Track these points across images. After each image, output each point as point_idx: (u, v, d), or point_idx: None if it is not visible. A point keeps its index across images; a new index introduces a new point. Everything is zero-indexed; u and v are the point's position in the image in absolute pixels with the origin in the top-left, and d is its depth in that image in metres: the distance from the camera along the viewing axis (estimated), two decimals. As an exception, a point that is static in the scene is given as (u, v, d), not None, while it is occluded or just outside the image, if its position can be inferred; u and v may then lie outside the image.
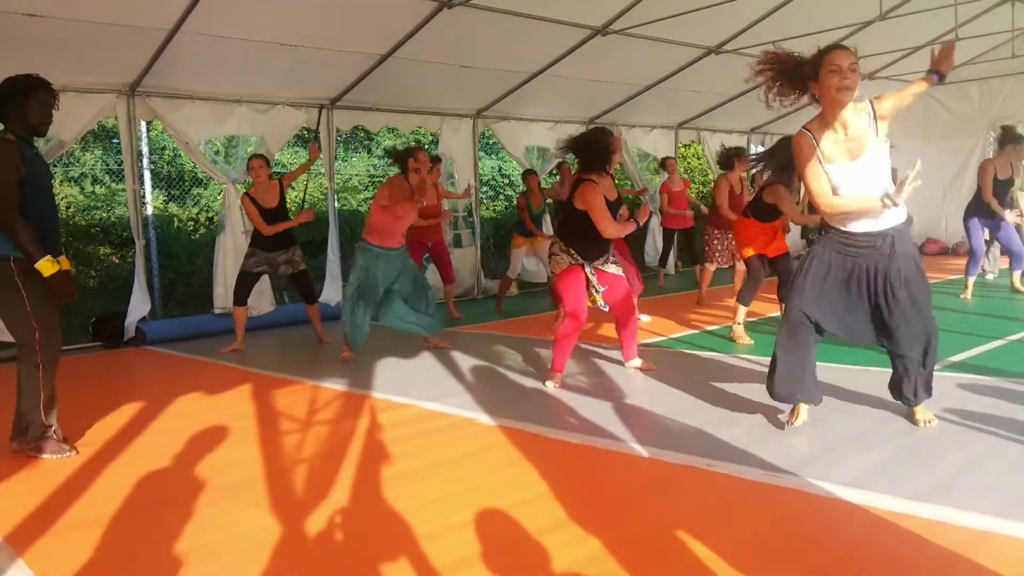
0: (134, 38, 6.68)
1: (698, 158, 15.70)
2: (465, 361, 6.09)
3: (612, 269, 5.27)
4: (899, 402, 4.01)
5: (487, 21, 7.69)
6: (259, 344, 7.29)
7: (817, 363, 3.98)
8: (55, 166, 10.70)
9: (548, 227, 9.97)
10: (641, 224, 5.18)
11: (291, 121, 8.63)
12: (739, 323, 6.39)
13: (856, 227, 3.68)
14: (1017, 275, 8.31)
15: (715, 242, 8.31)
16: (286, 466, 3.81)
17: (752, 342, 6.31)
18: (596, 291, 5.23)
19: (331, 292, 8.91)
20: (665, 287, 10.39)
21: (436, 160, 8.35)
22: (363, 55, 8.04)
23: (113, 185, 12.12)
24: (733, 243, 7.56)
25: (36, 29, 6.08)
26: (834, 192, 3.64)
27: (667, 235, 10.86)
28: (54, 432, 4.08)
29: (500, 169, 15.60)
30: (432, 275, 8.60)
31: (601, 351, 6.21)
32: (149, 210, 8.39)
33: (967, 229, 8.34)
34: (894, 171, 3.71)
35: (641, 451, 3.76)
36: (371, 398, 5.08)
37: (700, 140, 13.02)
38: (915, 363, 3.79)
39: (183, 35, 6.72)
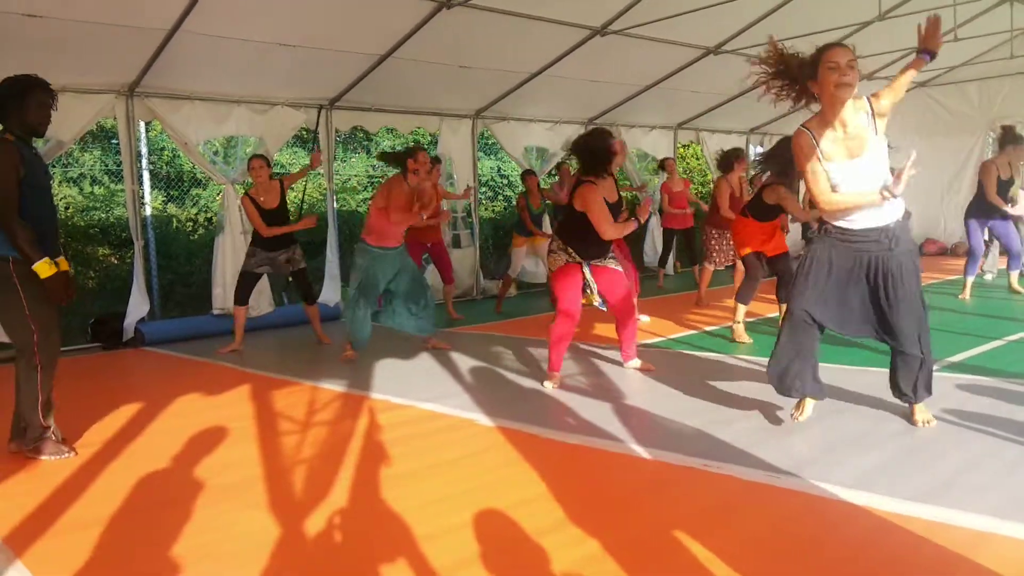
0: (133, 38, 6.67)
1: (697, 158, 15.70)
2: (464, 362, 6.09)
3: (612, 265, 5.27)
4: (899, 400, 4.00)
5: (486, 21, 7.68)
6: (258, 345, 7.29)
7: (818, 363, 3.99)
8: (54, 167, 10.69)
9: (547, 228, 9.96)
10: (642, 222, 5.17)
11: (290, 121, 8.63)
12: (738, 322, 6.41)
13: (856, 223, 3.68)
14: (1015, 275, 8.32)
15: (713, 242, 8.33)
16: (285, 467, 3.81)
17: (751, 341, 6.32)
18: (591, 290, 5.24)
19: (330, 293, 8.91)
20: (664, 287, 10.39)
21: (436, 161, 8.35)
22: (362, 55, 8.03)
23: (112, 186, 12.12)
24: (732, 243, 7.57)
25: (35, 29, 6.08)
26: (833, 190, 3.64)
27: (667, 235, 10.86)
28: (52, 433, 4.08)
29: (499, 169, 15.60)
30: (431, 275, 8.60)
31: (600, 352, 6.21)
32: (148, 211, 8.38)
33: (967, 229, 8.36)
34: (894, 170, 3.71)
35: (640, 452, 3.76)
36: (370, 399, 5.08)
37: (699, 140, 13.02)
38: (916, 359, 3.79)
39: (182, 35, 6.72)
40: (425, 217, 6.26)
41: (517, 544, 2.83)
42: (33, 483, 3.69)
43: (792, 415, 4.10)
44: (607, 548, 2.72)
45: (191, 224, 11.67)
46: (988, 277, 9.47)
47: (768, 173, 6.40)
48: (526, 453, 3.81)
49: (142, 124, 8.30)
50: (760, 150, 13.73)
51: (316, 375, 5.78)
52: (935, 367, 4.89)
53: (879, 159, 3.62)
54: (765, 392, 4.64)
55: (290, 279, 7.38)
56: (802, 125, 3.71)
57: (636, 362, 5.50)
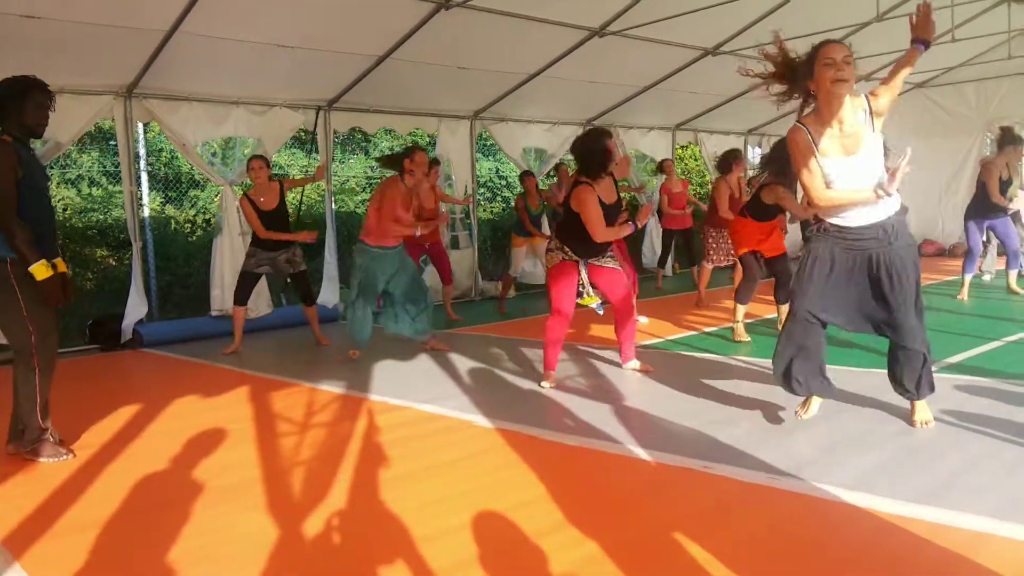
0: (131, 39, 6.67)
1: (695, 159, 15.71)
2: (463, 363, 6.09)
3: (609, 264, 5.27)
4: (902, 396, 3.98)
5: (484, 22, 7.69)
6: (257, 346, 7.29)
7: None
8: (52, 168, 10.67)
9: (546, 229, 9.96)
10: (640, 226, 5.17)
11: (288, 123, 8.63)
12: (738, 321, 6.44)
13: (854, 220, 3.68)
14: (1013, 275, 8.34)
15: (711, 240, 8.34)
16: (284, 468, 3.80)
17: (749, 340, 6.33)
18: (585, 288, 5.23)
19: (328, 294, 8.90)
20: (663, 288, 10.40)
21: (435, 162, 8.35)
22: (360, 56, 8.03)
23: (110, 187, 12.11)
24: (730, 242, 7.59)
25: (33, 30, 6.07)
26: (828, 186, 3.64)
27: (666, 236, 10.86)
28: (50, 435, 4.07)
29: (497, 171, 15.60)
30: (430, 276, 8.60)
31: (598, 353, 6.21)
32: (146, 212, 8.39)
33: (966, 229, 8.39)
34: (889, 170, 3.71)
35: (639, 453, 3.76)
36: (369, 400, 5.07)
37: (697, 141, 13.04)
38: (919, 355, 3.78)
39: (180, 36, 6.72)
40: (419, 233, 6.28)
41: (516, 545, 2.82)
42: (31, 485, 3.69)
43: (796, 412, 4.10)
44: (606, 549, 2.72)
45: (189, 225, 11.65)
46: (987, 278, 9.48)
47: (766, 173, 6.42)
48: (525, 455, 3.81)
49: (140, 125, 8.30)
50: (759, 151, 13.75)
51: (315, 376, 5.78)
52: (934, 368, 4.91)
53: (875, 156, 3.62)
54: (764, 393, 4.65)
55: (288, 280, 7.38)
56: (798, 121, 3.70)
57: (635, 363, 5.50)
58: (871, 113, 3.58)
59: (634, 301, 5.92)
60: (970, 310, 7.65)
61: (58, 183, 11.72)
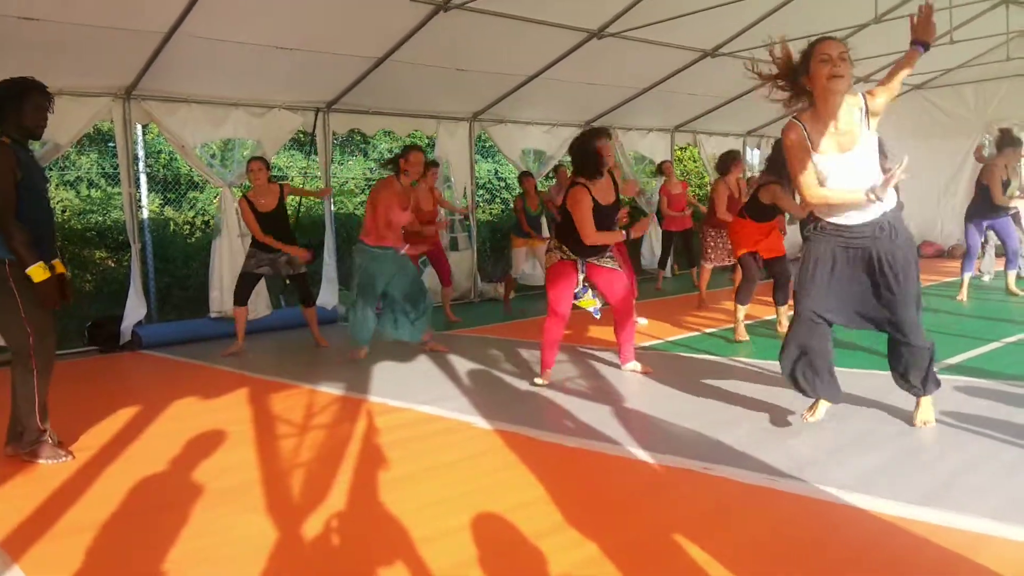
0: (130, 41, 6.67)
1: (694, 161, 15.71)
2: (462, 364, 6.08)
3: (608, 264, 5.27)
4: (908, 392, 3.95)
5: (483, 24, 7.69)
6: (256, 348, 7.28)
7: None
8: (51, 170, 10.67)
9: (545, 230, 9.96)
10: (632, 237, 5.15)
11: (287, 124, 8.63)
12: (739, 321, 6.46)
13: (850, 219, 3.68)
14: (1012, 276, 8.35)
15: (709, 239, 8.36)
16: (283, 470, 3.80)
17: (749, 339, 6.34)
18: (588, 292, 5.24)
19: (328, 296, 8.90)
20: (662, 289, 10.40)
21: (432, 164, 8.34)
22: (359, 58, 8.04)
23: (109, 189, 12.10)
24: (730, 243, 7.60)
25: (32, 32, 6.07)
26: (822, 183, 3.64)
27: (666, 237, 10.87)
28: (49, 437, 4.07)
29: (496, 172, 15.60)
30: (429, 278, 8.60)
31: (598, 354, 6.21)
32: (145, 214, 8.38)
33: (966, 229, 8.43)
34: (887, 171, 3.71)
35: (638, 454, 3.75)
36: (368, 402, 5.07)
37: (696, 143, 13.05)
38: (924, 351, 3.77)
39: (179, 38, 6.72)
40: (404, 251, 6.26)
41: (515, 547, 2.82)
42: (30, 487, 3.68)
43: (803, 416, 4.08)
44: (606, 551, 2.72)
45: (188, 227, 11.65)
46: (986, 278, 9.50)
47: (765, 172, 6.44)
48: (524, 456, 3.81)
49: (139, 127, 8.30)
50: (758, 152, 13.77)
51: (314, 378, 5.77)
52: (934, 369, 4.90)
53: (869, 155, 3.61)
54: (764, 394, 4.65)
55: (288, 282, 7.38)
56: (793, 117, 3.70)
57: (634, 364, 5.50)
58: (867, 112, 3.57)
59: (633, 302, 5.93)
60: (969, 311, 7.65)
61: (57, 185, 11.72)
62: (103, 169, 12.63)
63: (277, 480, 3.65)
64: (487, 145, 14.19)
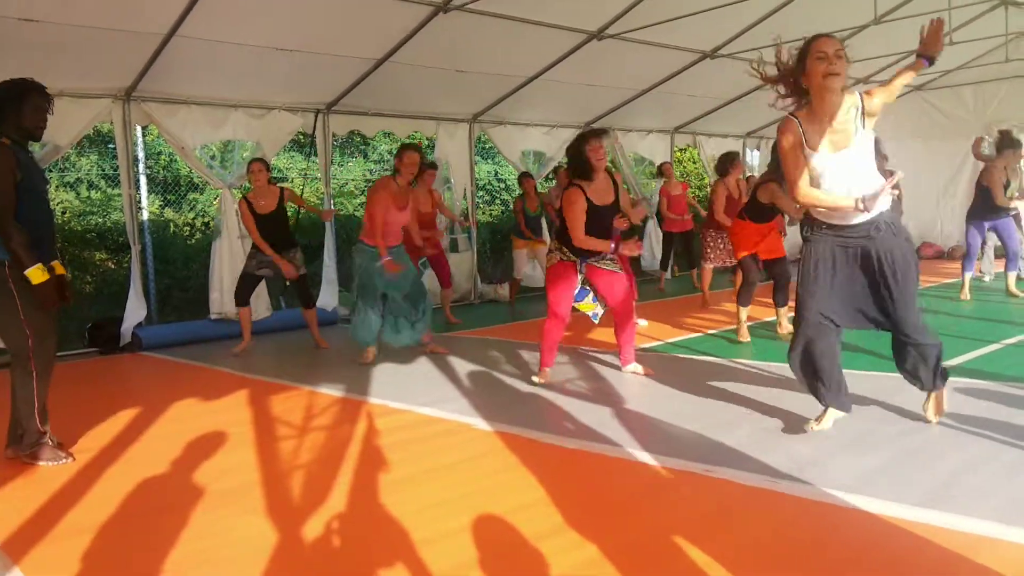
0: (130, 43, 6.67)
1: (694, 162, 15.72)
2: (462, 366, 6.08)
3: (609, 266, 5.28)
4: (918, 388, 3.94)
5: (483, 25, 7.69)
6: (256, 349, 7.27)
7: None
8: (51, 171, 10.68)
9: (546, 231, 9.97)
10: (618, 252, 5.12)
11: (287, 126, 8.63)
12: (741, 322, 6.48)
13: (848, 219, 3.67)
14: (1012, 278, 8.35)
15: (709, 240, 8.37)
16: (283, 472, 3.80)
17: (749, 339, 6.34)
18: (589, 296, 5.25)
19: (327, 297, 8.89)
20: (664, 291, 10.40)
21: (430, 166, 8.31)
22: (359, 60, 8.04)
23: (109, 190, 12.11)
24: (730, 244, 7.61)
25: (32, 34, 6.07)
26: (817, 181, 3.63)
27: (666, 239, 10.88)
28: (49, 439, 4.07)
29: (496, 174, 15.60)
30: (429, 280, 8.59)
31: (598, 356, 6.21)
32: (145, 215, 8.38)
33: (966, 230, 8.45)
34: (893, 173, 3.70)
35: (639, 456, 3.75)
36: (368, 403, 5.07)
37: (696, 144, 13.05)
38: (932, 347, 3.76)
39: (179, 40, 6.72)
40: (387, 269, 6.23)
41: (515, 549, 2.82)
42: (30, 489, 3.68)
43: (810, 426, 3.92)
44: (606, 553, 2.72)
45: (188, 228, 11.65)
46: (987, 279, 9.51)
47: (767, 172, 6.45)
48: (524, 457, 3.81)
49: (139, 128, 8.30)
50: (757, 153, 13.78)
51: (314, 380, 5.77)
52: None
53: (864, 154, 3.60)
54: (765, 395, 4.65)
55: (288, 283, 7.38)
56: (790, 113, 3.70)
57: (634, 366, 5.49)
58: (863, 112, 3.57)
59: (634, 304, 5.93)
60: (969, 313, 7.65)
61: (57, 186, 11.72)
62: (103, 170, 12.63)
63: (277, 482, 3.65)
64: (487, 146, 14.19)
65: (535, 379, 5.29)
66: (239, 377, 6.10)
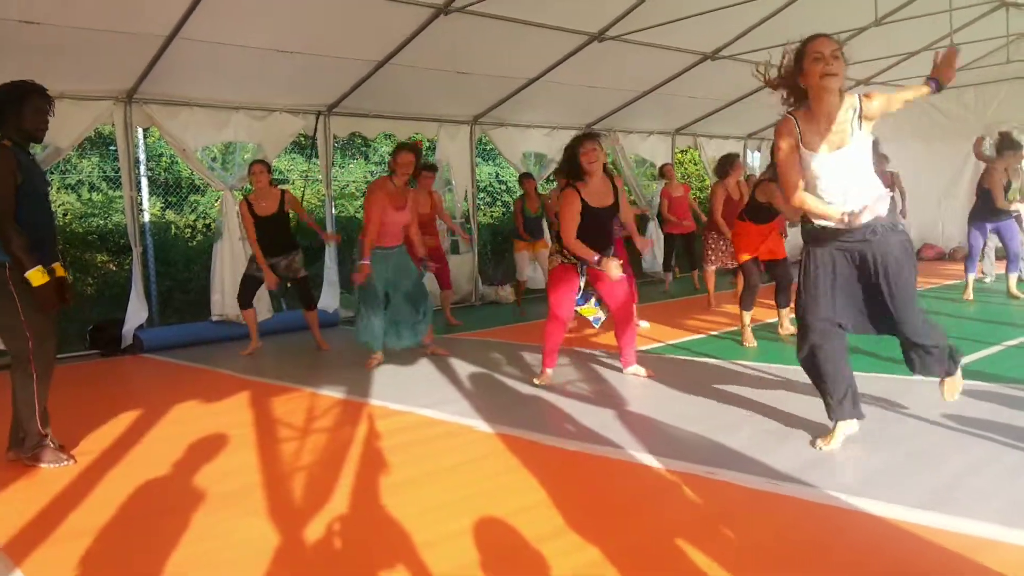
0: (131, 45, 6.68)
1: (695, 164, 15.72)
2: (463, 368, 6.08)
3: None
4: (934, 377, 3.93)
5: (483, 27, 7.70)
6: (257, 351, 7.27)
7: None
8: (52, 173, 10.69)
9: (547, 232, 9.96)
10: (600, 267, 5.02)
11: (288, 128, 8.64)
12: (746, 326, 6.44)
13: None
14: (1013, 279, 8.34)
15: (711, 243, 8.36)
16: (284, 474, 3.80)
17: (756, 344, 6.33)
18: (592, 299, 5.26)
19: (329, 299, 8.89)
20: (669, 291, 10.40)
21: (428, 168, 8.28)
22: (360, 62, 8.04)
23: (110, 192, 12.12)
24: (731, 247, 7.61)
25: (33, 36, 6.08)
26: (814, 182, 3.62)
27: (668, 240, 10.87)
28: (51, 441, 4.07)
29: (497, 175, 15.61)
30: (429, 282, 8.58)
31: (600, 357, 6.21)
32: (146, 217, 8.39)
33: (968, 231, 8.47)
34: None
35: (640, 458, 3.75)
36: (369, 405, 5.07)
37: (697, 146, 13.05)
38: (941, 348, 3.75)
39: (180, 42, 6.73)
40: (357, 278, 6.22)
41: (516, 551, 2.82)
42: (32, 491, 3.68)
43: (819, 446, 3.75)
44: (607, 555, 2.71)
45: (189, 230, 11.66)
46: (988, 281, 9.50)
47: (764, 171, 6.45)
48: (525, 459, 3.80)
49: (140, 130, 8.31)
50: (758, 155, 13.78)
51: (315, 381, 5.77)
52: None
53: (860, 156, 3.58)
54: (767, 397, 4.65)
55: (289, 285, 7.38)
56: (789, 112, 3.69)
57: (635, 368, 5.49)
58: (860, 115, 3.56)
59: (635, 307, 5.93)
60: (970, 314, 7.65)
61: (58, 188, 11.74)
62: (104, 172, 12.65)
63: (279, 484, 3.65)
64: (488, 148, 14.20)
65: (536, 381, 5.29)
66: (240, 379, 6.10)
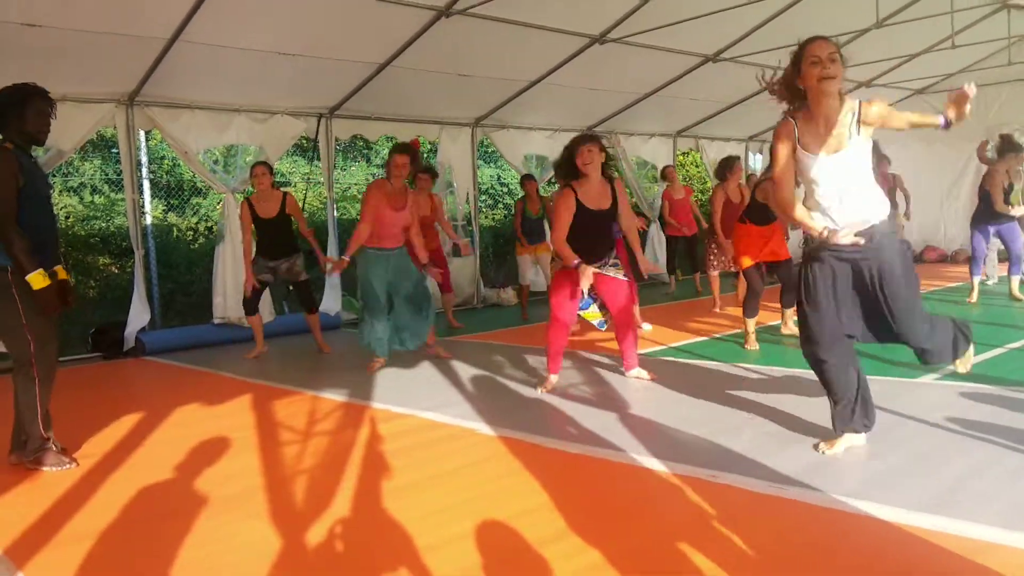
0: (133, 47, 6.69)
1: (696, 166, 15.73)
2: (465, 371, 6.08)
3: (612, 273, 5.27)
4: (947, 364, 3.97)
5: (485, 30, 7.71)
6: (261, 355, 7.27)
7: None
8: (54, 176, 10.71)
9: (547, 234, 9.97)
10: (579, 276, 5.00)
11: (290, 130, 8.65)
12: (750, 332, 6.41)
13: (839, 222, 3.65)
14: (1015, 282, 8.34)
15: (714, 248, 8.36)
16: (286, 477, 3.80)
17: (758, 347, 6.33)
18: (593, 303, 5.26)
19: (330, 302, 8.90)
20: (674, 293, 10.39)
21: (425, 170, 8.23)
22: (362, 64, 8.05)
23: (112, 195, 12.14)
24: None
25: (34, 38, 6.09)
26: (812, 185, 3.62)
27: (670, 243, 10.87)
28: (53, 444, 4.07)
29: (499, 178, 15.62)
30: (430, 284, 8.57)
31: (602, 360, 6.21)
32: (148, 220, 8.40)
33: (972, 234, 8.48)
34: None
35: (643, 461, 3.74)
36: (371, 408, 5.07)
37: (698, 148, 13.05)
38: (943, 347, 3.76)
39: (182, 44, 6.74)
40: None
41: (519, 554, 2.82)
42: (34, 494, 3.68)
43: (823, 450, 3.73)
44: (609, 558, 2.71)
45: (191, 233, 11.69)
46: (990, 283, 9.50)
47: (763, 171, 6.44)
48: (527, 463, 3.80)
49: (142, 133, 8.32)
50: (759, 157, 13.77)
51: (317, 384, 5.77)
52: (936, 376, 4.90)
53: (858, 159, 3.56)
54: (770, 400, 4.64)
55: (291, 288, 7.39)
56: (788, 113, 3.69)
57: (638, 371, 5.49)
58: (859, 120, 3.55)
59: (636, 311, 5.93)
60: (973, 317, 7.62)
61: (60, 191, 11.76)
62: (106, 175, 12.67)
63: (281, 487, 3.65)
64: (489, 150, 14.20)
65: (538, 389, 5.26)
66: (242, 382, 6.11)
